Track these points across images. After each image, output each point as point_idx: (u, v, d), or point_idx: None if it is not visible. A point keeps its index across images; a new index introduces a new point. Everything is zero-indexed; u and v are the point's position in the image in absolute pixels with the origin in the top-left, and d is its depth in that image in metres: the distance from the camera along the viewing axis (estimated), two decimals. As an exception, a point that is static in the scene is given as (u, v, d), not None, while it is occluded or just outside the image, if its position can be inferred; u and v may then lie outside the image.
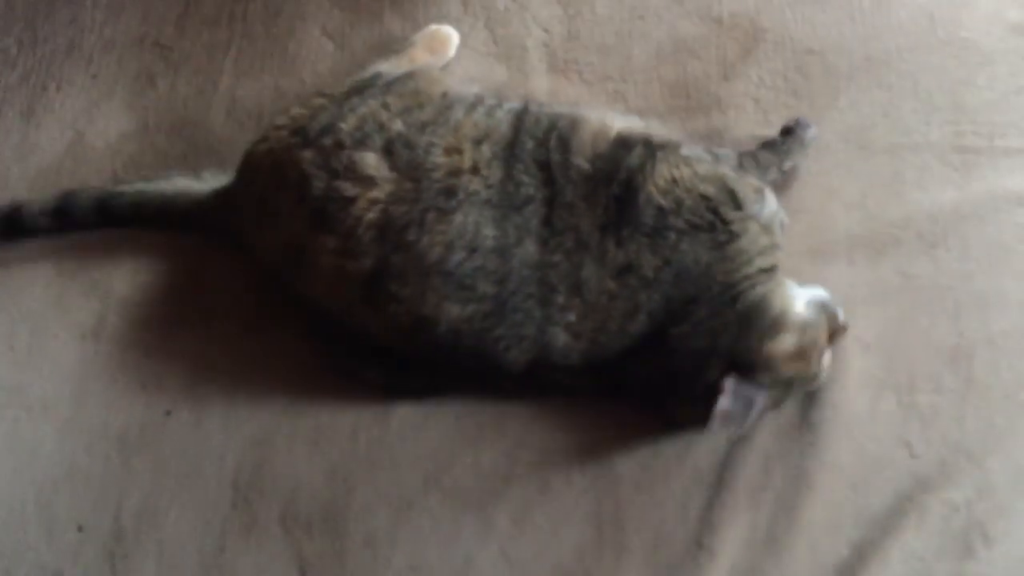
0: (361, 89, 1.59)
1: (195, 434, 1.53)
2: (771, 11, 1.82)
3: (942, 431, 1.47)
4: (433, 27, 1.82)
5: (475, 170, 1.46)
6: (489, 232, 1.43)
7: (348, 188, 1.46)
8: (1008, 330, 1.53)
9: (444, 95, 1.56)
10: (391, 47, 1.79)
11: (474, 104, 1.54)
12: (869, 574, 1.38)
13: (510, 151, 1.48)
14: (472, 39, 1.85)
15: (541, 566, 1.42)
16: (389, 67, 1.68)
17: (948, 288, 1.57)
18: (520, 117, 1.52)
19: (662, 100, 1.77)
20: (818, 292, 1.48)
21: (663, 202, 1.44)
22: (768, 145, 1.64)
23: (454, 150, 1.47)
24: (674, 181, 1.46)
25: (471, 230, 1.43)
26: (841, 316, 1.47)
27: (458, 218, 1.43)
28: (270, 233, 1.53)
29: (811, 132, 1.65)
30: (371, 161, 1.47)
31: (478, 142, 1.48)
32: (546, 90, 1.78)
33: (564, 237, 1.44)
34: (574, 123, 1.50)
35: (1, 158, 1.73)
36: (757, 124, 1.73)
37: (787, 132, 1.65)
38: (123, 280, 1.65)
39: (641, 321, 1.42)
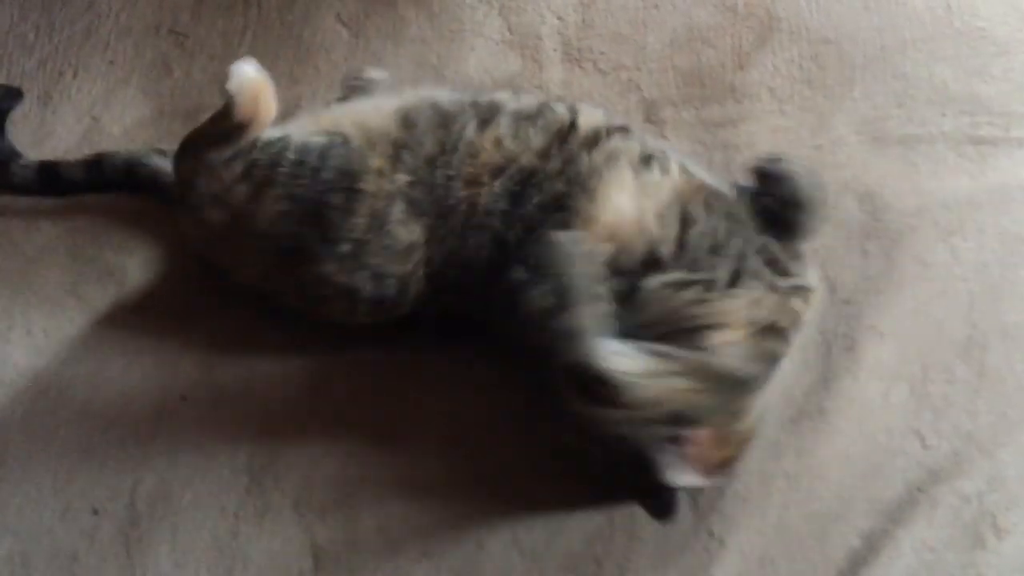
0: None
1: (210, 419, 1.54)
2: (786, 0, 1.81)
3: (954, 422, 1.47)
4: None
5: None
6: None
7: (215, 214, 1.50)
8: (1021, 322, 1.53)
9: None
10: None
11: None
12: (880, 564, 1.38)
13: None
14: (487, 28, 1.85)
15: (552, 553, 1.43)
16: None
17: (963, 279, 1.56)
18: None
19: (676, 89, 1.77)
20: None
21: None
22: None
23: None
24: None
25: None
26: None
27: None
28: None
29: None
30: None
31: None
32: (560, 80, 1.78)
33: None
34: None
35: (18, 143, 1.74)
36: (772, 113, 1.73)
37: None
38: (138, 266, 1.66)
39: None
